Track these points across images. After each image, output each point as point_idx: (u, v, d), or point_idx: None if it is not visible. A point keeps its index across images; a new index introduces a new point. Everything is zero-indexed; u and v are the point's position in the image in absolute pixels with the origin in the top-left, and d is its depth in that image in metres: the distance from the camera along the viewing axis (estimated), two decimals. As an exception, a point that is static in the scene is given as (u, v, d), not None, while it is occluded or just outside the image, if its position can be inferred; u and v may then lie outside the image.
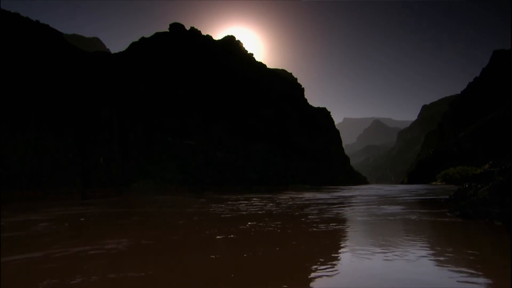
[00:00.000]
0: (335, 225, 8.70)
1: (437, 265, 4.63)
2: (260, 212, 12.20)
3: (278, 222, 9.18)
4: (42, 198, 26.42)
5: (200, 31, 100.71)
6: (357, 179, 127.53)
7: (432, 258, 5.12)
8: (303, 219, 9.86)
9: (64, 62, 56.93)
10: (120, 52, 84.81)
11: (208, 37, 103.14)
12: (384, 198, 21.27)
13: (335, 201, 18.70)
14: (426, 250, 5.65)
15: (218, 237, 6.95)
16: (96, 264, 4.76)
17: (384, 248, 5.72)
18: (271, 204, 16.75)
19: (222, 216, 11.14)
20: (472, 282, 3.81)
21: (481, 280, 3.92)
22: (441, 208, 12.69)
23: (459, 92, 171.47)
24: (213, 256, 5.19)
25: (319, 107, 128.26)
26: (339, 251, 5.82)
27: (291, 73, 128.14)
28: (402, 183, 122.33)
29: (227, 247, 6.01)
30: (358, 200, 19.53)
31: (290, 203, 17.62)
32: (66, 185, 43.57)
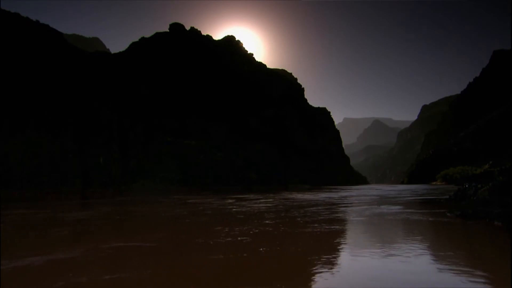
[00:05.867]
0: (335, 225, 8.70)
1: (437, 265, 4.63)
2: (260, 213, 12.20)
3: (278, 223, 9.18)
4: (42, 198, 26.42)
5: (200, 31, 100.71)
6: (357, 179, 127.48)
7: (432, 258, 5.12)
8: (303, 219, 9.85)
9: (64, 62, 56.93)
10: (120, 52, 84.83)
11: (208, 37, 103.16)
12: (384, 198, 21.27)
13: (335, 201, 18.70)
14: (426, 250, 5.65)
15: (218, 237, 6.94)
16: (97, 264, 4.76)
17: (384, 248, 5.71)
18: (271, 204, 16.75)
19: (221, 216, 11.13)
20: (472, 282, 3.81)
21: (481, 280, 3.92)
22: (441, 208, 12.68)
23: (459, 92, 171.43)
24: (214, 257, 5.19)
25: (319, 107, 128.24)
26: (339, 251, 5.82)
27: (291, 73, 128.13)
28: (402, 183, 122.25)
29: (227, 247, 6.00)
30: (358, 200, 19.53)
31: (290, 203, 17.62)
32: (66, 185, 43.56)
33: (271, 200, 20.35)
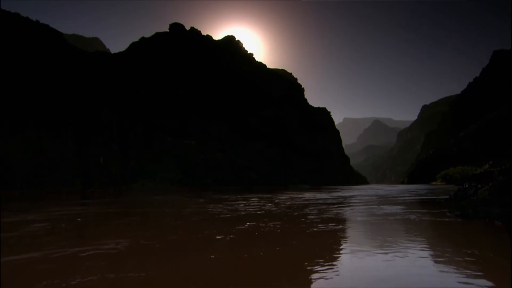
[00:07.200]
0: (335, 225, 8.69)
1: (437, 265, 4.62)
2: (260, 212, 12.20)
3: (278, 222, 9.17)
4: (42, 198, 26.41)
5: (200, 31, 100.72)
6: (357, 179, 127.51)
7: (432, 258, 5.11)
8: (303, 219, 9.85)
9: (64, 62, 56.93)
10: (120, 52, 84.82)
11: (208, 37, 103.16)
12: (384, 198, 21.26)
13: (335, 201, 18.69)
14: (426, 250, 5.65)
15: (218, 237, 6.94)
16: (95, 264, 4.75)
17: (384, 248, 5.71)
18: (271, 204, 16.75)
19: (221, 216, 11.12)
20: (472, 282, 3.80)
21: (481, 280, 3.92)
22: (441, 208, 12.68)
23: (459, 92, 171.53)
24: (213, 256, 5.19)
25: (319, 107, 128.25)
26: (339, 251, 5.81)
27: (291, 73, 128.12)
28: (402, 183, 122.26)
29: (227, 247, 6.00)
30: (358, 200, 19.53)
31: (290, 203, 17.61)
32: (66, 185, 43.56)
33: (271, 200, 20.35)
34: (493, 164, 52.36)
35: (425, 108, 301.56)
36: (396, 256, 5.09)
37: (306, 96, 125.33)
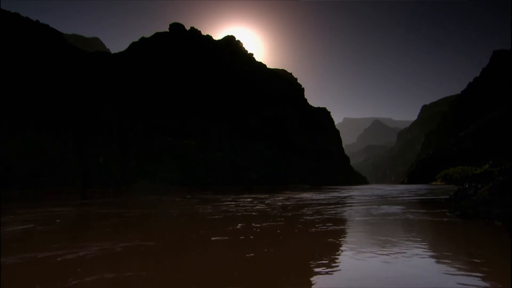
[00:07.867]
0: (335, 226, 8.68)
1: (437, 265, 4.62)
2: (259, 213, 12.19)
3: (278, 223, 9.17)
4: (42, 198, 26.40)
5: (200, 31, 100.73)
6: (357, 179, 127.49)
7: (432, 258, 5.11)
8: (302, 219, 9.84)
9: (64, 62, 56.91)
10: (120, 52, 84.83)
11: (208, 37, 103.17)
12: (384, 198, 21.25)
13: (334, 201, 18.69)
14: (426, 250, 5.64)
15: (218, 237, 6.93)
16: (94, 264, 4.74)
17: (384, 248, 5.70)
18: (271, 204, 16.74)
19: (222, 216, 11.11)
20: (472, 282, 3.80)
21: (481, 280, 3.91)
22: (441, 208, 12.67)
23: (459, 92, 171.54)
24: (212, 257, 5.18)
25: (319, 107, 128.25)
26: (339, 251, 5.81)
27: (291, 73, 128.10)
28: (402, 183, 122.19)
29: (227, 247, 5.99)
30: (358, 200, 19.52)
31: (289, 203, 17.61)
32: (66, 185, 43.56)
33: (271, 200, 20.34)
34: (493, 164, 52.33)
35: (425, 108, 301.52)
36: (396, 256, 5.09)
37: (306, 96, 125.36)
